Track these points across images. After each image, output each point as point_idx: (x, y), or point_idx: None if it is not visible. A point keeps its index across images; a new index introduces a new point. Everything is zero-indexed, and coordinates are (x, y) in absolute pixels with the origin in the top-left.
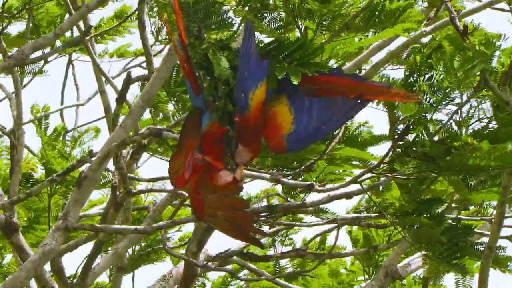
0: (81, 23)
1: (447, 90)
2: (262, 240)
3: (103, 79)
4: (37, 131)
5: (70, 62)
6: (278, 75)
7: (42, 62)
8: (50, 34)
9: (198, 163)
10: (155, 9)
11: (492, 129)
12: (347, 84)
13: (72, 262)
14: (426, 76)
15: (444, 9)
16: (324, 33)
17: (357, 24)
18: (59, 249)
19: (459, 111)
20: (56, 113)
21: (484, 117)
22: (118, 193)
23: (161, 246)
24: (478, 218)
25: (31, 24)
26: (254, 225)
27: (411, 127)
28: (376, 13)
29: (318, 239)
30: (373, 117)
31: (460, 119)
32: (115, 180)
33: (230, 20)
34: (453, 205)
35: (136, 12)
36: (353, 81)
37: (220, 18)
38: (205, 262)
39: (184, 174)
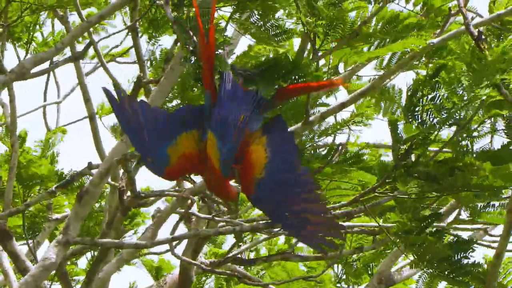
0: None
1: (452, 110)
2: None
3: (88, 87)
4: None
5: (51, 62)
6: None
7: None
8: (51, 48)
9: None
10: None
11: (496, 149)
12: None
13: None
14: (429, 96)
15: (451, 22)
16: (331, 41)
17: (367, 32)
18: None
19: (466, 129)
20: (39, 114)
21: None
22: (125, 197)
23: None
24: (473, 226)
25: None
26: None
27: (414, 147)
28: (389, 25)
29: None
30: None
31: (468, 139)
32: (122, 184)
33: (226, 36)
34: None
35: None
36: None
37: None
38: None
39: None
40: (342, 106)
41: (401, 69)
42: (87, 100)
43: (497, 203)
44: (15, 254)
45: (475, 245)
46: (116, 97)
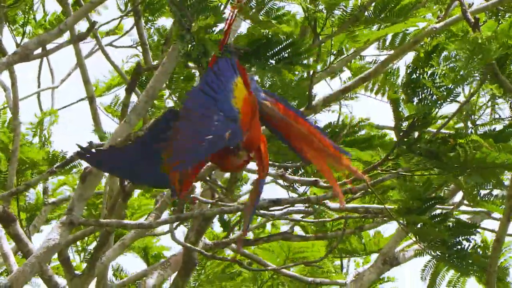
0: None
1: (450, 87)
2: None
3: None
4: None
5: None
6: (259, 74)
7: None
8: (54, 30)
9: None
10: None
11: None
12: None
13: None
14: (429, 72)
15: (454, 7)
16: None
17: (366, 17)
18: (66, 241)
19: (467, 108)
20: (33, 98)
21: (499, 117)
22: (126, 183)
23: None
24: (473, 209)
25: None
26: None
27: (416, 124)
28: (388, 7)
29: None
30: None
31: (468, 117)
32: None
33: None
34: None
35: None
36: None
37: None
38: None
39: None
40: (345, 90)
41: (404, 53)
42: (86, 81)
43: (497, 192)
44: (19, 237)
45: (478, 229)
46: None
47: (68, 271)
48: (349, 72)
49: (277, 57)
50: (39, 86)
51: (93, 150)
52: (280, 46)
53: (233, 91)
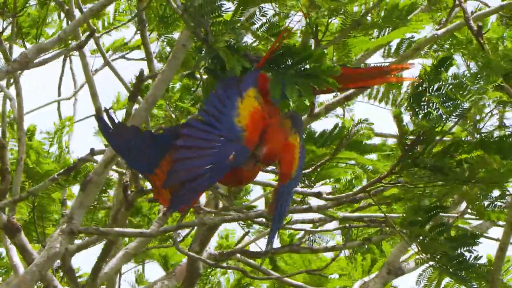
0: None
1: (457, 102)
2: None
3: (94, 82)
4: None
5: (66, 57)
6: (290, 94)
7: None
8: (54, 38)
9: None
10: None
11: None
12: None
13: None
14: (435, 86)
15: (456, 13)
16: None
17: (368, 23)
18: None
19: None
20: (53, 109)
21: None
22: (129, 192)
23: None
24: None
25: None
26: None
27: (421, 138)
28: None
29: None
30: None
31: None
32: (127, 179)
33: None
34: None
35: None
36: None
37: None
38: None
39: None
40: (347, 98)
41: (406, 60)
42: (94, 95)
43: (500, 203)
44: (24, 247)
45: (481, 239)
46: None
47: (72, 281)
48: None
49: (295, 67)
50: (59, 96)
51: (116, 121)
52: (300, 57)
53: (237, 108)
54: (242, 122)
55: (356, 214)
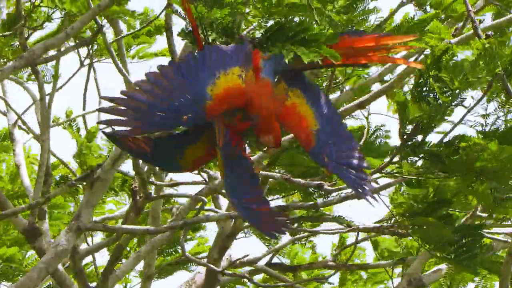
0: None
1: (456, 91)
2: None
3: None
4: (71, 134)
5: (90, 65)
6: (286, 57)
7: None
8: (61, 34)
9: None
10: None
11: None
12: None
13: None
14: (435, 75)
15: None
16: None
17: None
18: (80, 250)
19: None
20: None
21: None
22: (138, 197)
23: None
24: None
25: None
26: None
27: (421, 127)
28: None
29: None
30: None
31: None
32: (135, 185)
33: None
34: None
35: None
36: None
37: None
38: (223, 268)
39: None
40: (359, 105)
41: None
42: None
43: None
44: (43, 251)
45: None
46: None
47: (82, 283)
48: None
49: (292, 40)
50: (84, 104)
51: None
52: (294, 32)
53: (216, 78)
54: (213, 91)
55: (373, 224)
